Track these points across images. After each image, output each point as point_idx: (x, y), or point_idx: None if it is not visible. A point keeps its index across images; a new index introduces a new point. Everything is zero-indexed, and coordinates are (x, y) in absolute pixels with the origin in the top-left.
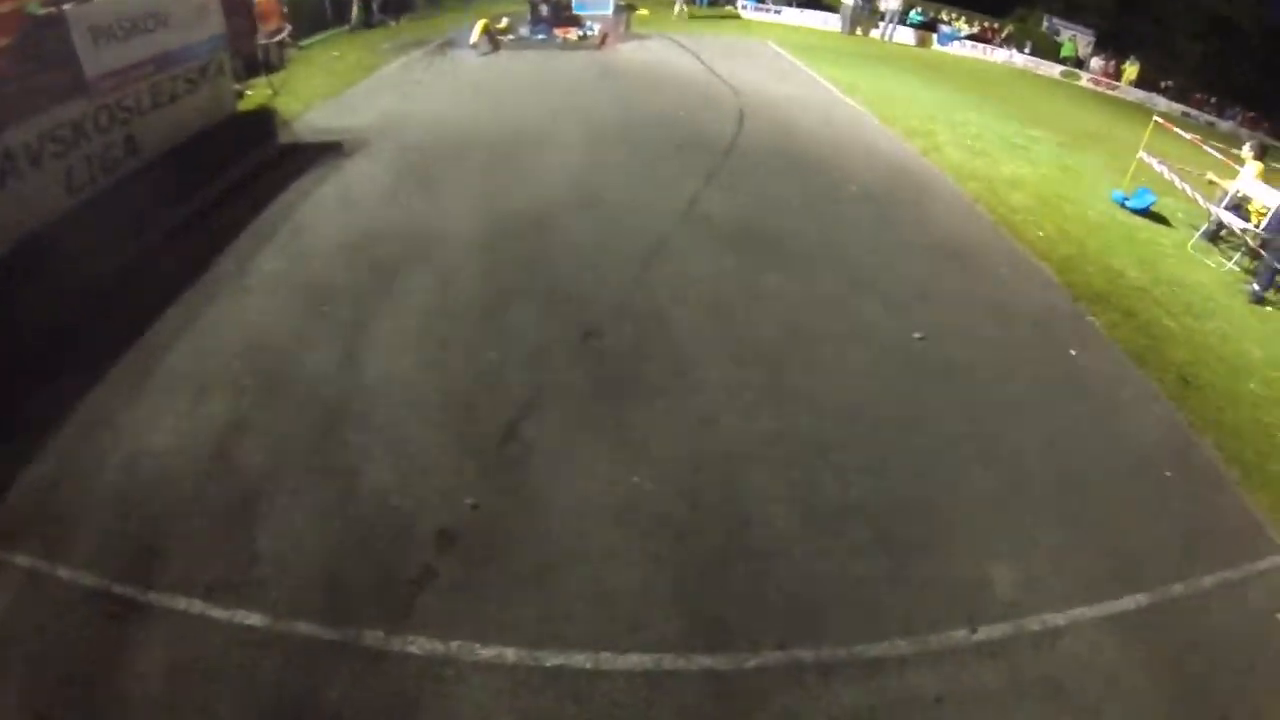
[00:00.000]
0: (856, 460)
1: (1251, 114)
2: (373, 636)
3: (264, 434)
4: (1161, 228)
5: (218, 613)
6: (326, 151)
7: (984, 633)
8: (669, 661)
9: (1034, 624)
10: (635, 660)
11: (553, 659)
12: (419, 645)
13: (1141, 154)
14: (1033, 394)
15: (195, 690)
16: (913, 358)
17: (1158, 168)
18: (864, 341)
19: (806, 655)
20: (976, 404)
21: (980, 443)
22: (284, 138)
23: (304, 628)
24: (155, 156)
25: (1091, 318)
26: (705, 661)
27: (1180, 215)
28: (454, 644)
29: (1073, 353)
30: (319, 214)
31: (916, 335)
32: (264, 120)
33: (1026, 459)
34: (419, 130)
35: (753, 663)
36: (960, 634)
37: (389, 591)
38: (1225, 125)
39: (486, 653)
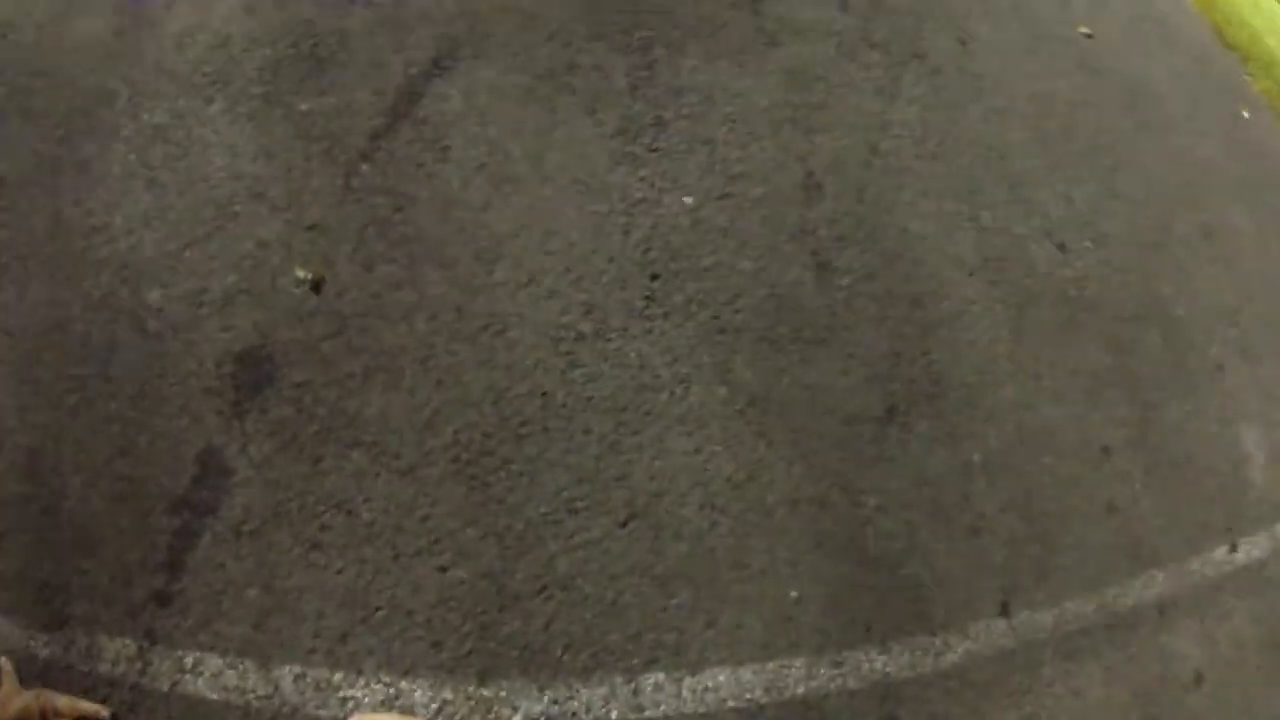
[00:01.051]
0: (1055, 203)
1: None
2: (117, 653)
3: None
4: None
5: None
6: None
7: (1244, 550)
8: (795, 676)
9: None
10: (725, 683)
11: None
12: (206, 677)
13: None
14: (1224, 156)
15: None
16: (1083, 59)
17: None
18: (1017, 21)
19: (1044, 619)
20: (1171, 149)
21: (1193, 213)
22: None
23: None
24: None
25: (1249, 76)
26: (875, 662)
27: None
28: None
29: (1245, 115)
30: None
31: (1083, 30)
32: None
33: (1244, 250)
34: None
35: (960, 650)
36: (1220, 553)
37: (141, 537)
38: None
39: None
